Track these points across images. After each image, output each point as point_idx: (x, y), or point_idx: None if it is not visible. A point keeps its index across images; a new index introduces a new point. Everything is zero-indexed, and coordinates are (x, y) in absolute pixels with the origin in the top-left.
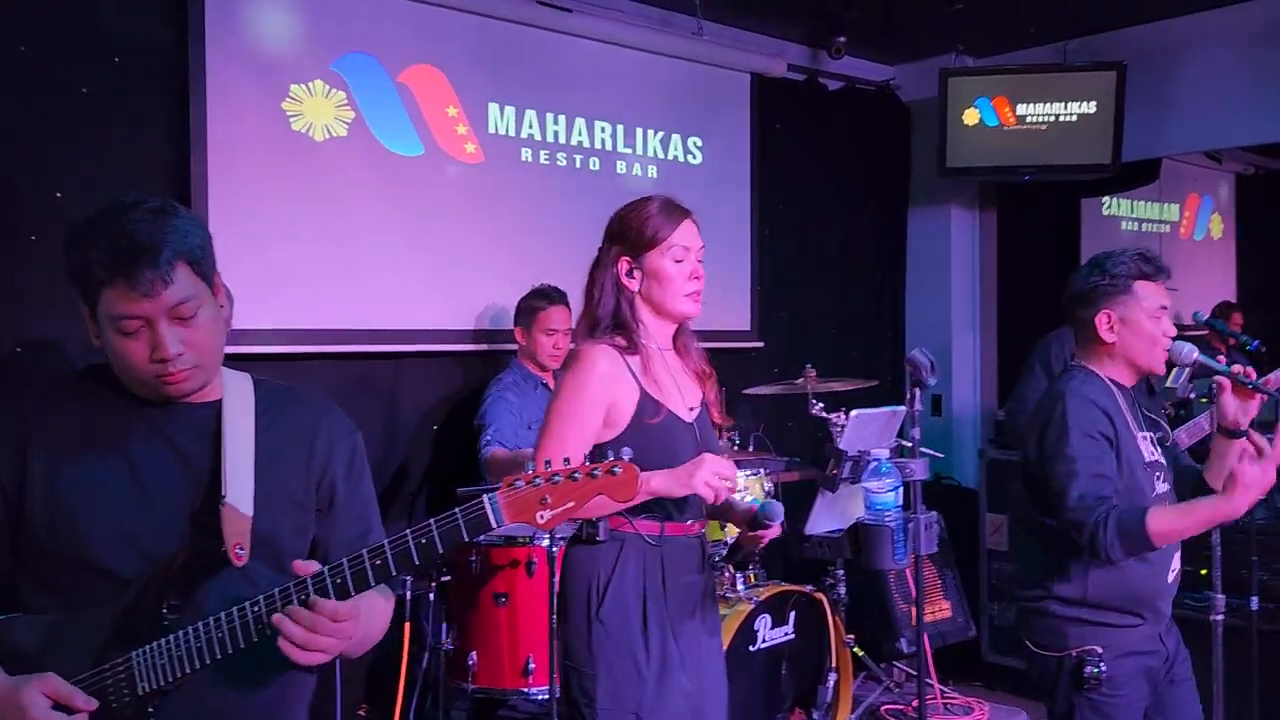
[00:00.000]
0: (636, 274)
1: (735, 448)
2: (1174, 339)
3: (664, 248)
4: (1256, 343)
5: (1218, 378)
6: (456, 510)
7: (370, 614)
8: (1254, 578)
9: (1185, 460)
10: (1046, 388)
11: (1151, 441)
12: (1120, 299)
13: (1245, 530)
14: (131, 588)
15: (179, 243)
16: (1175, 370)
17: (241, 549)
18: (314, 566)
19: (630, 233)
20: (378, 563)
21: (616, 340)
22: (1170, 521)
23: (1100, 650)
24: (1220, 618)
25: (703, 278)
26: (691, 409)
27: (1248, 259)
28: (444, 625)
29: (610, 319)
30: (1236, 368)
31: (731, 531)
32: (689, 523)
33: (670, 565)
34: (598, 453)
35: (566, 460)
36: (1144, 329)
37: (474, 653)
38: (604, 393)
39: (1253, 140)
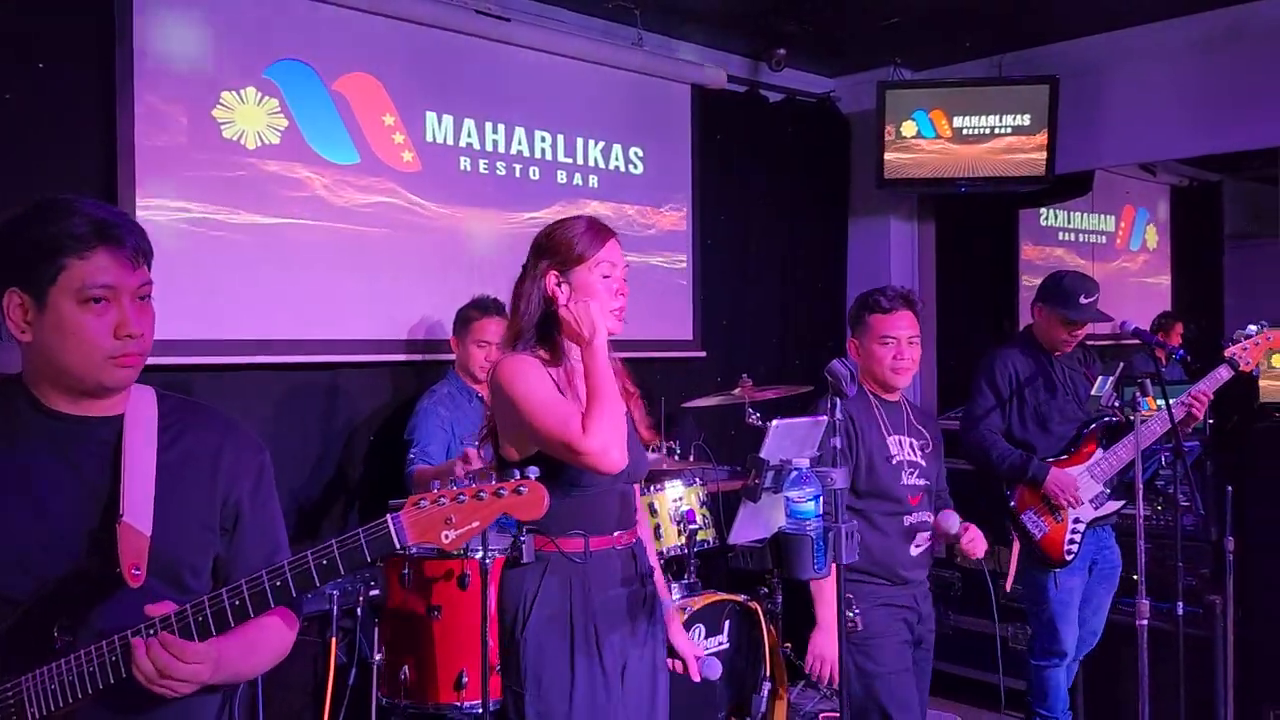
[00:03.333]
0: (564, 287)
1: (676, 457)
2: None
3: (592, 263)
4: (1181, 352)
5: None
6: (359, 530)
7: (253, 643)
8: (1179, 582)
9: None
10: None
11: (912, 446)
12: (859, 329)
13: (1170, 535)
14: (21, 609)
15: (141, 231)
16: (1100, 379)
17: (138, 569)
18: (169, 607)
19: (559, 248)
20: (277, 584)
21: (540, 353)
22: (822, 592)
23: (852, 598)
24: (1145, 622)
25: (626, 295)
26: None
27: (1183, 269)
28: (375, 639)
29: (534, 330)
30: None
31: (668, 540)
32: (615, 534)
33: (596, 581)
34: (505, 471)
35: (471, 479)
36: (874, 354)
37: (406, 666)
38: (552, 382)
39: (1183, 153)
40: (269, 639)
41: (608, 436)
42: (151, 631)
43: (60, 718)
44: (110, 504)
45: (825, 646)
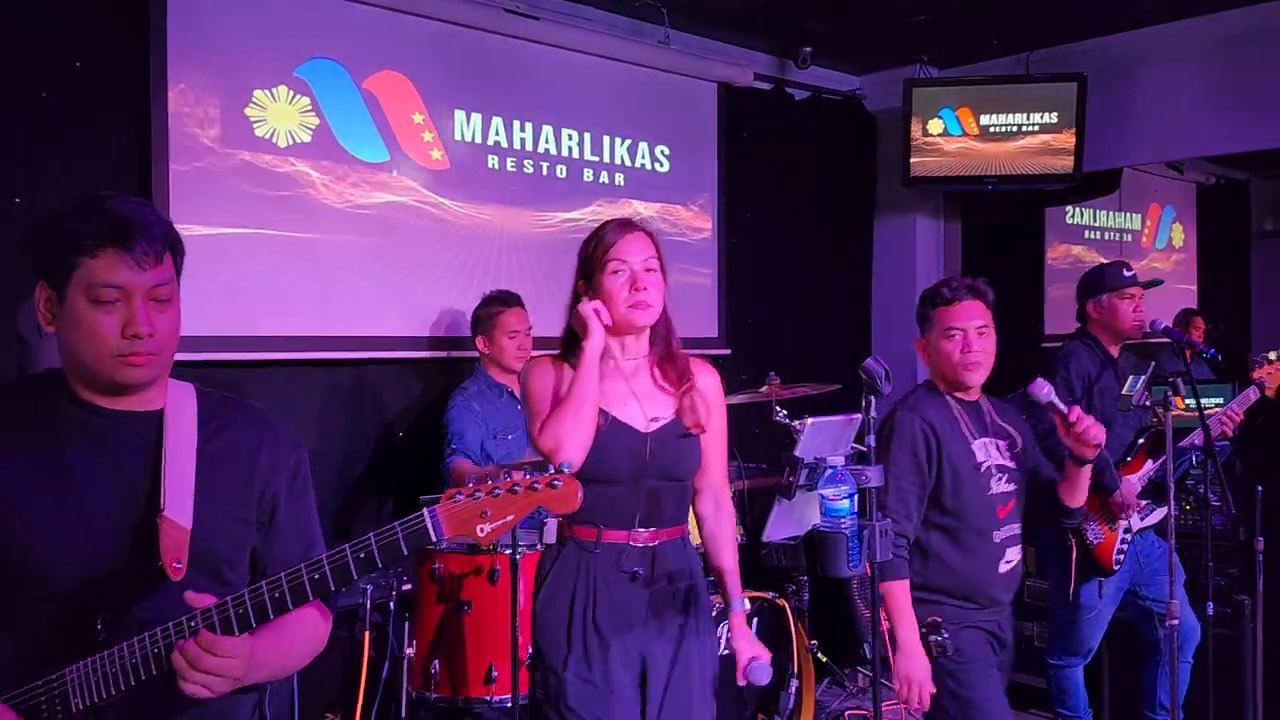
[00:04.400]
0: (588, 296)
1: None
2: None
3: (603, 264)
4: (1212, 351)
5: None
6: (396, 524)
7: (289, 640)
8: (1209, 582)
9: (1046, 473)
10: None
11: (997, 448)
12: (925, 327)
13: (1200, 535)
14: (64, 601)
15: (166, 229)
16: (1131, 379)
17: (179, 563)
18: (209, 600)
19: (581, 260)
20: (315, 576)
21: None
22: (895, 605)
23: (941, 620)
24: (1176, 622)
25: (647, 288)
26: (654, 420)
27: (1208, 267)
28: (406, 634)
29: (564, 338)
30: (1074, 412)
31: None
32: (633, 530)
33: (603, 572)
34: (538, 464)
35: (507, 474)
36: (940, 350)
37: (436, 661)
38: (553, 387)
39: (1210, 150)
40: (305, 632)
41: (559, 437)
42: (193, 624)
43: (102, 709)
44: (150, 498)
45: (911, 669)
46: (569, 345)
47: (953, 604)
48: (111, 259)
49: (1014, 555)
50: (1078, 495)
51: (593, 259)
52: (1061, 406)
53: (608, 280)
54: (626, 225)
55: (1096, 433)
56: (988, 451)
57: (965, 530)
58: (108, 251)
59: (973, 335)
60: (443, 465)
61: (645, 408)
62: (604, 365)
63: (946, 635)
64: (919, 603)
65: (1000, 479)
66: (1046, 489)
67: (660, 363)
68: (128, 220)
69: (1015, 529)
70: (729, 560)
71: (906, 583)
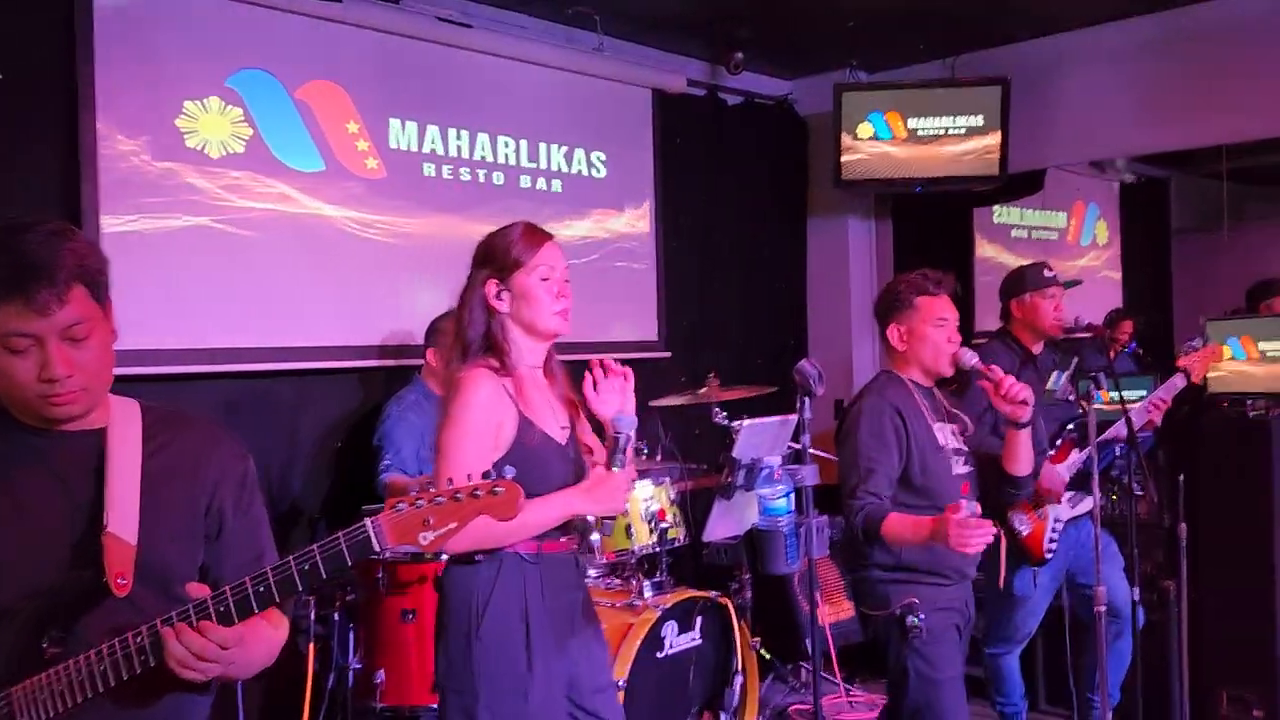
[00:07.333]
0: (505, 296)
1: (644, 456)
2: (962, 344)
3: (530, 268)
4: (1132, 345)
5: (986, 382)
6: (340, 534)
7: (254, 640)
8: (1135, 569)
9: (989, 448)
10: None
11: (952, 432)
12: (905, 314)
13: (1125, 522)
14: (10, 620)
15: (76, 264)
16: (1055, 374)
17: (123, 579)
18: (206, 590)
19: (496, 256)
20: (261, 589)
21: (490, 362)
22: (899, 530)
23: (918, 602)
24: (1103, 608)
25: (569, 297)
26: (563, 428)
27: (1132, 263)
28: (351, 644)
29: (481, 340)
30: (997, 372)
31: (639, 539)
32: (562, 539)
33: (549, 582)
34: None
35: (449, 481)
36: (928, 337)
37: (381, 670)
38: (490, 416)
39: (1130, 151)
40: (263, 635)
41: (481, 540)
42: (139, 639)
43: None
44: (95, 515)
45: (941, 534)
46: (490, 346)
47: (927, 582)
48: (15, 309)
49: None
50: (1020, 462)
51: (516, 258)
52: (985, 370)
53: (536, 285)
54: (543, 232)
55: (1021, 390)
56: (945, 435)
57: (934, 509)
58: (11, 302)
59: (953, 327)
60: (376, 481)
61: (557, 418)
62: (519, 372)
63: (923, 617)
64: (894, 583)
65: (959, 461)
66: (994, 463)
67: (548, 372)
68: (28, 265)
69: (976, 507)
70: None
71: (893, 513)
